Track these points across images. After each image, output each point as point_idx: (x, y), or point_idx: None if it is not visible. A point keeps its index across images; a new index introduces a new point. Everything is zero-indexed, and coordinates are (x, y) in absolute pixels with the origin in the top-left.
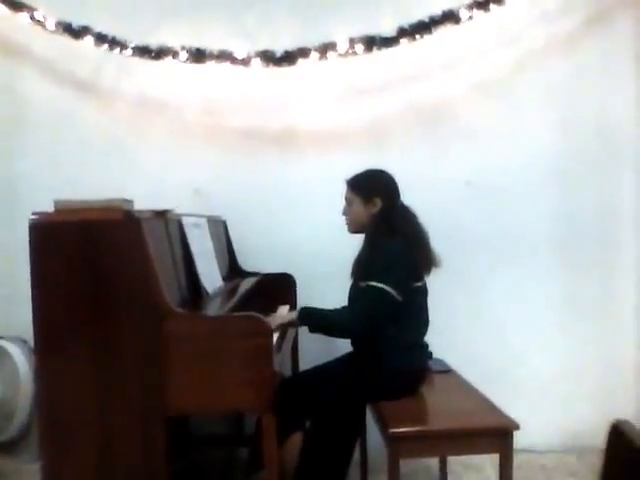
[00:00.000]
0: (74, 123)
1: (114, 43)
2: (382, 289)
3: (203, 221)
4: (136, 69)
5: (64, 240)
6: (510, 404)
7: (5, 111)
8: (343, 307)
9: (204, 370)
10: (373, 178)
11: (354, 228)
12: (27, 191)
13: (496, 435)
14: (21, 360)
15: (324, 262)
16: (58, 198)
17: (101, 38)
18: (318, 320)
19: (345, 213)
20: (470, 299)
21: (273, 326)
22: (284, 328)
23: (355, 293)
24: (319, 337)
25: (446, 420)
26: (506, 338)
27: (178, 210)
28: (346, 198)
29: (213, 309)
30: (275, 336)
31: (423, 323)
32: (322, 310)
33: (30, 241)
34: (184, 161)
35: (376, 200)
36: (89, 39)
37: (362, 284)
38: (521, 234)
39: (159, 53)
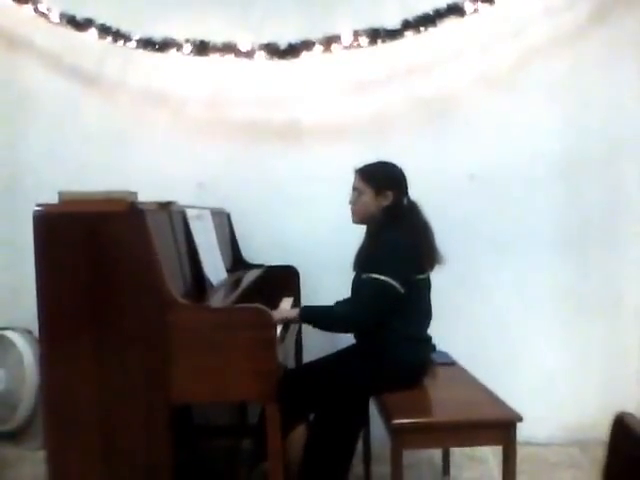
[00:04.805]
0: (78, 116)
1: (118, 35)
2: (384, 281)
3: (207, 213)
4: (140, 62)
5: (68, 231)
6: (513, 396)
7: (9, 104)
8: (344, 299)
9: (207, 360)
10: (386, 171)
11: (360, 219)
12: (31, 183)
13: (499, 427)
14: (26, 350)
15: (328, 254)
16: (62, 190)
17: (105, 30)
18: (320, 318)
19: (352, 202)
20: (474, 292)
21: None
22: (285, 323)
23: (357, 285)
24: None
25: (449, 412)
26: (510, 331)
27: (182, 202)
28: (356, 188)
29: (217, 300)
30: (278, 328)
31: (426, 316)
32: (323, 307)
33: (34, 232)
34: (188, 153)
35: (388, 193)
36: (93, 31)
37: (364, 276)
38: (525, 228)
39: (163, 45)
